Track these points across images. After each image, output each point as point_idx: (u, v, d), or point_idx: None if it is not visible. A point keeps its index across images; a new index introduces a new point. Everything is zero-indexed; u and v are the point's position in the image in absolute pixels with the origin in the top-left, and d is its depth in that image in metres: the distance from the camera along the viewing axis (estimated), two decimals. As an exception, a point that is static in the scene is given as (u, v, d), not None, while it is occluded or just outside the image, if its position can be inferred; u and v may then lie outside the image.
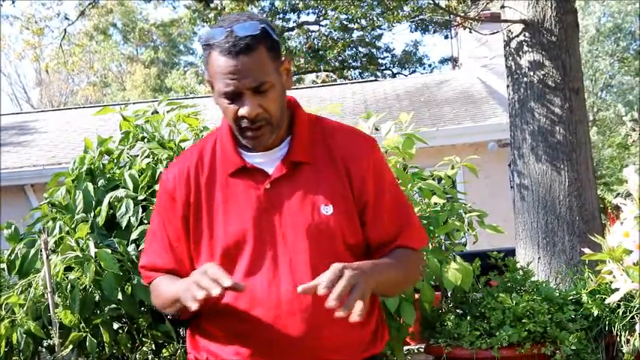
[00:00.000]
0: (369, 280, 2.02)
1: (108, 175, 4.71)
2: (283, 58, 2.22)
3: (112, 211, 4.44)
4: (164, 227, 2.32)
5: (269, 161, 2.24)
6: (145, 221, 4.29)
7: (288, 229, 2.19)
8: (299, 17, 26.06)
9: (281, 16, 25.73)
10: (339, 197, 2.22)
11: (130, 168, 4.63)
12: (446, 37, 21.00)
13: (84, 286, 4.23)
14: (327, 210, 2.20)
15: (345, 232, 2.22)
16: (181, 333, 4.42)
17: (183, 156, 2.37)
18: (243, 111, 2.12)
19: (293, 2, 25.08)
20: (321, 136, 2.29)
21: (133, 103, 14.17)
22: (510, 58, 7.07)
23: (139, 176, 4.51)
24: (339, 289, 1.93)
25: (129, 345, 4.43)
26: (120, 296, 4.21)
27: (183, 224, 2.28)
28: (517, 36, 6.95)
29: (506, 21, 7.11)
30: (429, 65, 28.22)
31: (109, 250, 4.16)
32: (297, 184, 2.22)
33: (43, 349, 4.61)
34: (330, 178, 2.23)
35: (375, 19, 20.59)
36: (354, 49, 27.35)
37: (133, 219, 4.32)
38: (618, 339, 4.60)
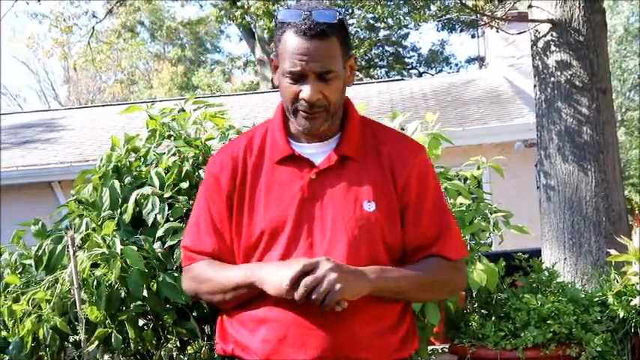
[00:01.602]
0: (352, 281, 2.07)
1: (134, 173, 4.73)
2: (351, 54, 2.26)
3: (138, 209, 4.46)
4: (209, 209, 2.32)
5: (318, 153, 2.27)
6: (171, 219, 4.31)
7: (329, 221, 2.20)
8: (325, 16, 26.03)
9: (307, 14, 25.70)
10: (383, 195, 2.23)
11: (156, 166, 4.65)
12: (473, 36, 20.93)
13: (110, 282, 4.26)
14: (370, 207, 2.20)
15: (385, 230, 2.21)
16: (206, 330, 4.44)
17: (233, 142, 2.40)
18: (304, 94, 2.16)
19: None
20: (371, 135, 2.33)
21: (160, 101, 14.24)
22: (537, 57, 7.03)
23: (165, 174, 4.53)
24: (304, 284, 2.02)
25: (154, 342, 4.46)
26: (145, 293, 4.23)
27: (227, 206, 2.28)
28: (544, 35, 6.91)
29: (533, 20, 7.08)
30: (456, 64, 28.16)
31: (135, 248, 4.18)
32: (342, 178, 2.23)
33: (69, 345, 4.64)
34: (376, 175, 2.25)
35: (401, 18, 20.52)
36: (381, 48, 27.34)
37: (159, 216, 4.34)
38: (644, 341, 4.58)
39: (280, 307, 2.15)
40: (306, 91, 2.15)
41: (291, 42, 2.15)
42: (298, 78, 2.16)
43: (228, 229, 2.28)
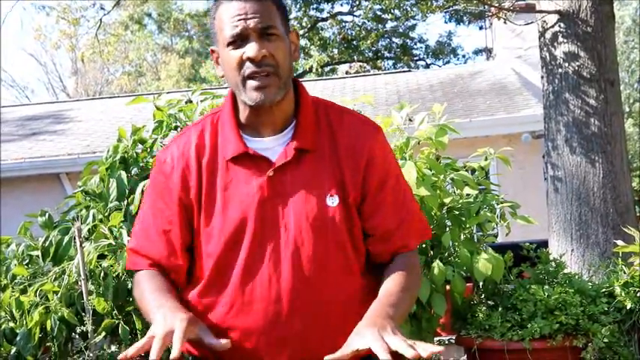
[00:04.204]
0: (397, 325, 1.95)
1: (141, 164, 4.74)
2: (292, 30, 2.17)
3: (144, 200, 4.47)
4: (158, 211, 2.18)
5: (273, 147, 2.14)
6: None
7: (292, 219, 2.09)
8: (333, 7, 26.01)
9: (315, 6, 25.68)
10: (344, 187, 2.12)
11: (163, 157, 4.66)
12: (480, 27, 20.88)
13: (117, 273, 4.27)
14: (333, 201, 2.11)
15: (349, 223, 2.12)
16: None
17: (182, 136, 2.24)
18: (248, 52, 2.05)
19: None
20: (326, 121, 2.20)
21: (167, 93, 14.24)
22: (545, 49, 7.01)
23: (172, 165, 4.53)
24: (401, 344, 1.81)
25: (161, 333, 4.47)
26: (152, 284, 4.24)
27: (180, 209, 2.15)
28: (552, 27, 6.89)
29: (541, 11, 7.05)
30: (463, 56, 28.06)
31: (142, 239, 4.19)
32: (301, 173, 2.12)
33: (77, 336, 4.66)
34: (335, 166, 2.14)
35: (408, 9, 20.49)
36: (388, 40, 27.26)
37: (165, 208, 4.35)
38: (651, 332, 4.57)
39: (250, 315, 2.09)
40: (250, 49, 2.05)
41: (227, 9, 2.08)
42: (240, 42, 2.07)
43: (178, 233, 2.15)
